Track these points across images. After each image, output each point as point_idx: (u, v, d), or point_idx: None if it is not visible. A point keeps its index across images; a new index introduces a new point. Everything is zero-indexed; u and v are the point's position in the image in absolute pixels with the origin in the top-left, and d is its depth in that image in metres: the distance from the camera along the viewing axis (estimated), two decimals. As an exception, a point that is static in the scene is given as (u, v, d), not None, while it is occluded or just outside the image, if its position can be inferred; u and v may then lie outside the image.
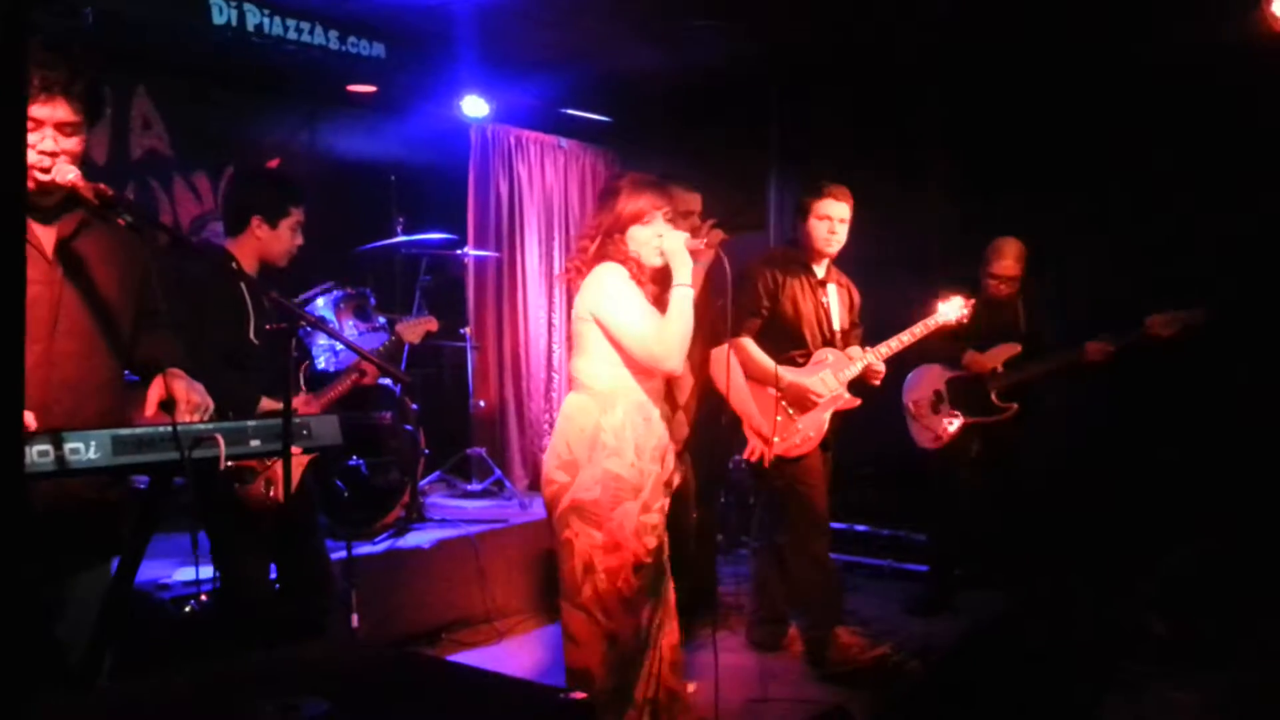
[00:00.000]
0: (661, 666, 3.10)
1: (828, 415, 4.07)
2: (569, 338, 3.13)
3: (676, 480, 3.18)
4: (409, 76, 5.60)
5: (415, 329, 4.15)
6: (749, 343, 4.07)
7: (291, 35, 4.98)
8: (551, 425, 4.92)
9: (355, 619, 3.75)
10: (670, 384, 3.43)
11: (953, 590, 4.92)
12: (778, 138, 6.51)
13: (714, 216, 4.06)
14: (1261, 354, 4.71)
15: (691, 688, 3.64)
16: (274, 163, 5.37)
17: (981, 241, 4.85)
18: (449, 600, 4.56)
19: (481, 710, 1.73)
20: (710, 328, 3.75)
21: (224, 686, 1.80)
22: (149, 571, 3.66)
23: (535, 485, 5.40)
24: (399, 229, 5.60)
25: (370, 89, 5.75)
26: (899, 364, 4.47)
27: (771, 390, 3.96)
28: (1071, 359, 4.58)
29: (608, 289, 2.97)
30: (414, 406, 5.03)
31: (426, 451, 5.19)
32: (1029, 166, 5.28)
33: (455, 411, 6.10)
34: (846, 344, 4.18)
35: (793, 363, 4.09)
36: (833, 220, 4.06)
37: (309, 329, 4.35)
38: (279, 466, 2.54)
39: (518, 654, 4.42)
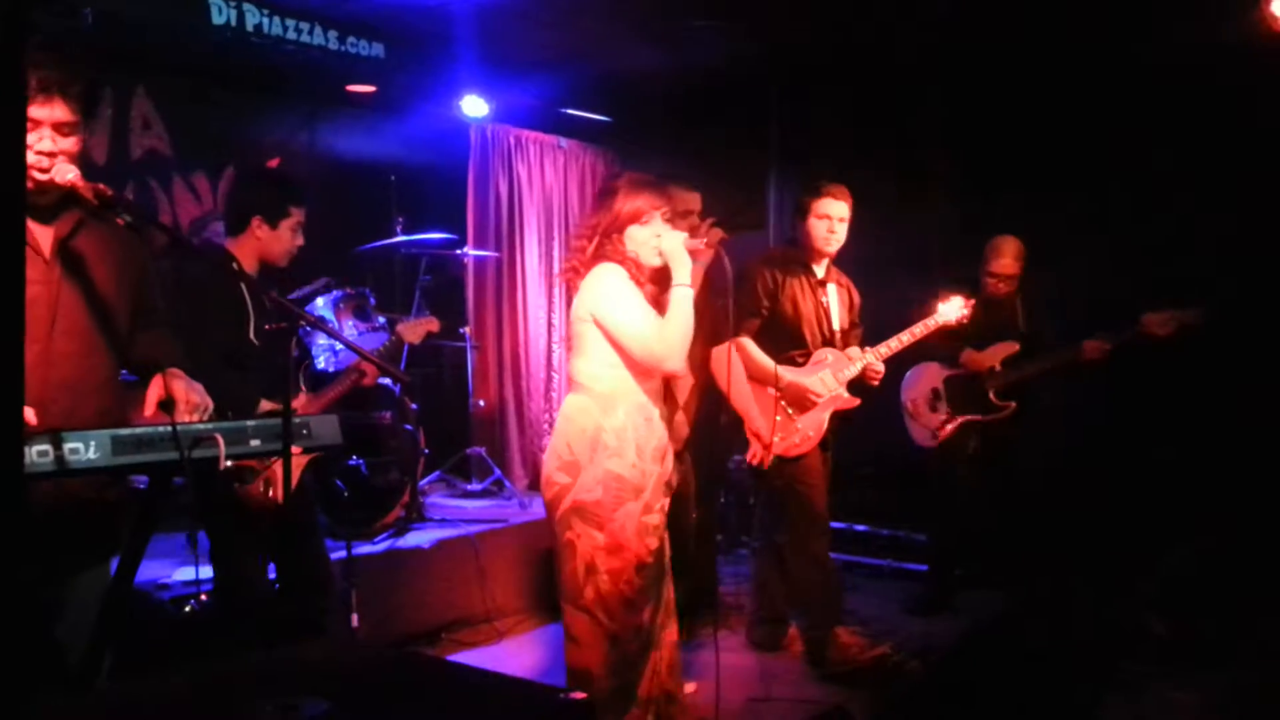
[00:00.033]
0: (661, 666, 3.10)
1: (827, 415, 4.06)
2: (568, 338, 3.13)
3: (675, 480, 3.17)
4: (408, 76, 5.60)
5: (416, 329, 4.16)
6: (748, 343, 4.07)
7: (291, 35, 4.97)
8: (551, 425, 4.92)
9: (355, 619, 3.75)
10: (669, 384, 3.43)
11: (952, 590, 4.92)
12: (778, 138, 6.51)
13: (714, 216, 4.07)
14: (1259, 353, 4.71)
15: (691, 688, 3.64)
16: (274, 162, 5.37)
17: (981, 241, 4.85)
18: (449, 600, 4.56)
19: (481, 710, 1.73)
20: (711, 327, 3.75)
21: (224, 686, 1.80)
22: (149, 571, 3.67)
23: (535, 485, 5.39)
24: (399, 229, 5.60)
25: (370, 89, 5.75)
26: (898, 363, 4.47)
27: (771, 390, 3.96)
28: (1069, 358, 4.59)
29: (607, 290, 2.96)
30: (414, 406, 5.03)
31: (426, 451, 5.19)
32: (1029, 166, 5.28)
33: (455, 411, 6.10)
34: (846, 344, 4.18)
35: (792, 362, 4.09)
36: (832, 219, 4.06)
37: (309, 329, 4.35)
38: (278, 466, 2.53)
39: (518, 654, 4.42)
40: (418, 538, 4.66)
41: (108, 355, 2.36)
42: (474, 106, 5.94)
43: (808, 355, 4.12)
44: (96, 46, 4.56)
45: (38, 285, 2.21)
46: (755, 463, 4.03)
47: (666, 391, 3.26)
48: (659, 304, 3.03)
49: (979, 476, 4.84)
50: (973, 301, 4.32)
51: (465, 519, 5.05)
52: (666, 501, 3.09)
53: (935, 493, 5.00)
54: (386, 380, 4.57)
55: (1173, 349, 4.40)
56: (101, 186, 2.24)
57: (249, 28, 4.80)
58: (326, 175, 5.83)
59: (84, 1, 4.27)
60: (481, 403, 6.11)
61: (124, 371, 2.45)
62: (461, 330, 5.82)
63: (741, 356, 4.03)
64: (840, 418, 4.13)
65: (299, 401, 3.48)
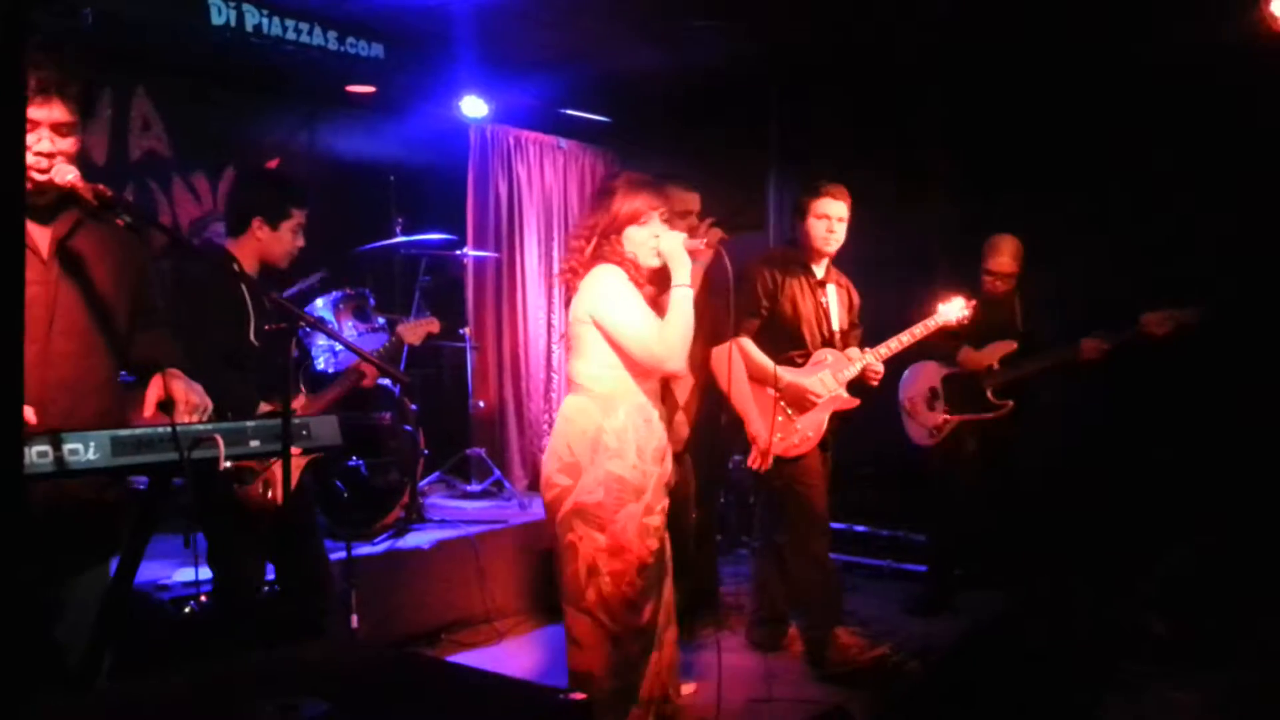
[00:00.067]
0: (663, 666, 3.10)
1: (827, 415, 4.06)
2: (566, 339, 3.12)
3: (673, 480, 3.17)
4: (408, 77, 5.60)
5: (417, 330, 4.16)
6: (748, 343, 4.06)
7: (290, 36, 4.97)
8: (551, 425, 4.92)
9: (355, 619, 3.74)
10: (668, 385, 3.43)
11: (952, 590, 4.92)
12: (777, 138, 6.51)
13: (713, 216, 4.07)
14: (1258, 353, 4.70)
15: (690, 688, 3.64)
16: (274, 163, 5.37)
17: (981, 242, 4.85)
18: (449, 600, 4.56)
19: (481, 710, 1.73)
20: (711, 327, 3.74)
21: (224, 687, 1.79)
22: (148, 572, 3.66)
23: (535, 485, 5.39)
24: (398, 229, 5.60)
25: (369, 89, 5.75)
26: (898, 364, 4.47)
27: (770, 390, 3.96)
28: (1067, 356, 4.58)
29: (606, 291, 2.96)
30: (413, 407, 5.03)
31: (426, 452, 5.19)
32: (1029, 166, 5.28)
33: (455, 412, 6.10)
34: (846, 345, 4.17)
35: (792, 363, 4.09)
36: (830, 219, 4.06)
37: (308, 329, 4.35)
38: (278, 467, 2.53)
39: (517, 654, 4.42)
40: (417, 538, 4.66)
41: (106, 355, 2.36)
42: (474, 107, 5.94)
43: (807, 356, 4.12)
44: (96, 46, 4.56)
45: (35, 285, 2.21)
46: (755, 467, 4.03)
47: (666, 392, 3.26)
48: (658, 305, 3.02)
49: (978, 476, 4.83)
50: (974, 302, 4.32)
51: (465, 520, 5.05)
52: (667, 502, 3.09)
53: (935, 493, 5.00)
54: (386, 381, 4.57)
55: (1171, 349, 4.40)
56: (101, 187, 2.24)
57: (248, 28, 4.80)
58: (326, 176, 5.83)
59: (84, 1, 4.27)
60: (481, 403, 6.11)
61: (123, 372, 2.45)
62: (461, 331, 5.82)
63: (741, 356, 4.02)
64: (840, 418, 4.13)
65: (298, 402, 3.47)
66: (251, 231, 3.29)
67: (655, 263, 3.03)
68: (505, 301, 6.37)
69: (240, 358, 3.18)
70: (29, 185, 2.17)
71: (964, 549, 4.97)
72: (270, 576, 3.45)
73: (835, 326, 4.18)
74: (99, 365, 2.34)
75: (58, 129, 2.18)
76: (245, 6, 4.78)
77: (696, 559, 4.16)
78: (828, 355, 4.12)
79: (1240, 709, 3.68)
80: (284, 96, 5.87)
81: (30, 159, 2.14)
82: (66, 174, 2.19)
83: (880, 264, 4.80)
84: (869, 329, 4.32)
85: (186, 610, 3.62)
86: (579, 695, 1.85)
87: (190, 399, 2.27)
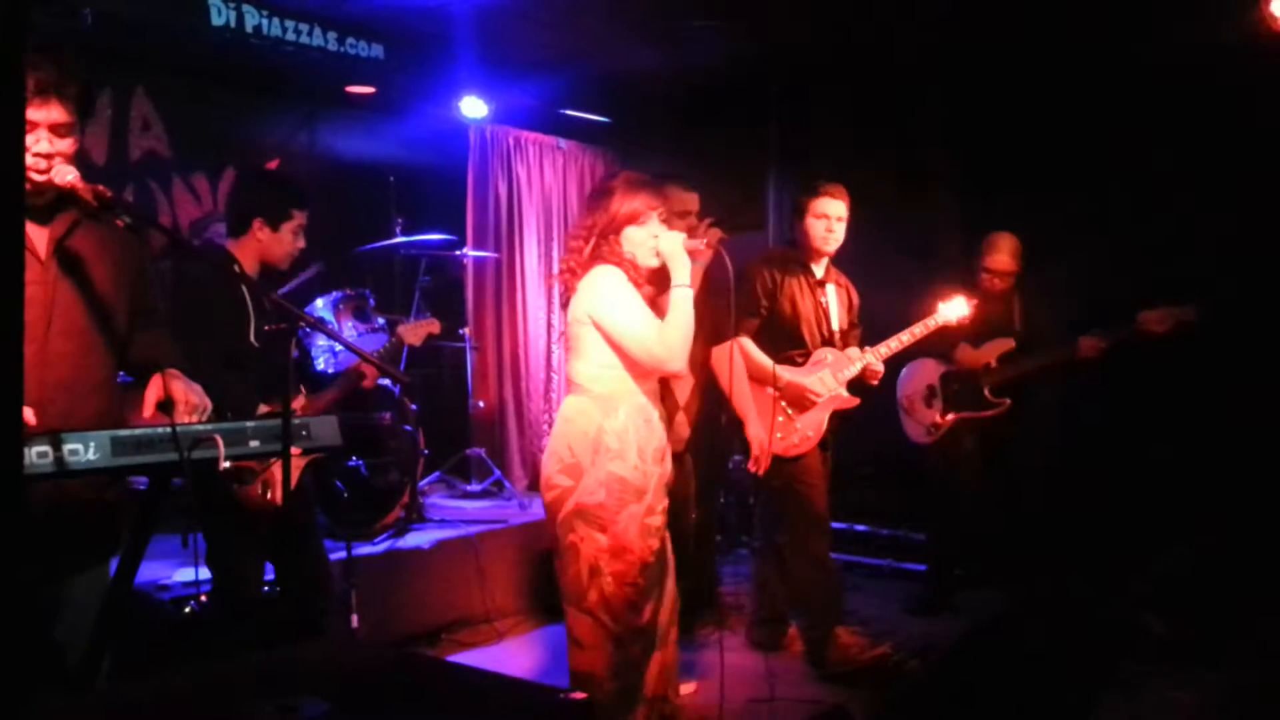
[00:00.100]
0: (665, 666, 3.10)
1: (826, 415, 4.06)
2: (566, 340, 3.12)
3: (672, 480, 3.17)
4: (408, 77, 5.60)
5: (417, 331, 4.16)
6: (747, 343, 4.06)
7: (290, 36, 4.98)
8: (551, 425, 4.92)
9: (355, 619, 3.74)
10: (668, 385, 3.42)
11: (952, 590, 4.92)
12: (777, 138, 6.52)
13: (713, 216, 4.07)
14: (1257, 352, 4.71)
15: (690, 688, 3.64)
16: (274, 164, 5.37)
17: (981, 241, 4.85)
18: (449, 600, 4.56)
19: (481, 710, 1.73)
20: (711, 327, 3.75)
21: (223, 687, 1.79)
22: (148, 572, 3.66)
23: (535, 485, 5.39)
24: (398, 230, 5.60)
25: (369, 90, 5.75)
26: (897, 363, 4.47)
27: (770, 390, 3.96)
28: (1065, 355, 4.58)
29: (605, 292, 2.95)
30: (413, 407, 5.03)
31: (426, 452, 5.19)
32: (1029, 166, 5.28)
33: (454, 412, 6.10)
34: (845, 344, 4.17)
35: (791, 362, 4.09)
36: (829, 219, 4.06)
37: (308, 330, 4.35)
38: (277, 467, 2.53)
39: (517, 654, 4.43)
40: (417, 538, 4.66)
41: (105, 356, 2.36)
42: (473, 107, 5.94)
43: (807, 355, 4.12)
44: (95, 47, 4.56)
45: (34, 285, 2.20)
46: (753, 470, 4.02)
47: (666, 392, 3.25)
48: (657, 305, 3.02)
49: (977, 475, 4.83)
50: (975, 302, 4.32)
51: (465, 520, 5.05)
52: (667, 502, 3.09)
53: (934, 493, 5.00)
54: (386, 381, 4.57)
55: (1170, 347, 4.40)
56: (100, 188, 2.24)
57: (248, 29, 4.81)
58: (326, 176, 5.84)
59: (83, 1, 4.27)
60: (481, 403, 6.11)
61: (122, 373, 2.45)
62: (461, 331, 5.82)
63: (741, 356, 4.02)
64: (840, 417, 4.13)
65: (298, 403, 3.47)
66: (252, 233, 3.29)
67: (654, 263, 3.03)
68: (505, 302, 6.38)
69: (240, 358, 3.18)
70: (27, 186, 2.17)
71: (964, 548, 4.97)
72: (270, 576, 3.45)
73: (835, 326, 4.18)
74: (98, 365, 2.34)
75: (56, 130, 2.18)
76: (245, 7, 4.78)
77: (696, 559, 4.16)
78: (828, 355, 4.12)
79: (1239, 708, 3.68)
80: (284, 97, 5.87)
81: (29, 160, 2.14)
82: (66, 174, 2.19)
83: (880, 264, 4.80)
84: (869, 329, 4.32)
85: (186, 610, 3.63)
86: (579, 695, 1.85)
87: (190, 399, 2.27)
